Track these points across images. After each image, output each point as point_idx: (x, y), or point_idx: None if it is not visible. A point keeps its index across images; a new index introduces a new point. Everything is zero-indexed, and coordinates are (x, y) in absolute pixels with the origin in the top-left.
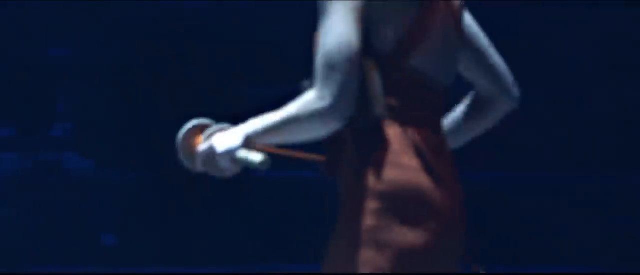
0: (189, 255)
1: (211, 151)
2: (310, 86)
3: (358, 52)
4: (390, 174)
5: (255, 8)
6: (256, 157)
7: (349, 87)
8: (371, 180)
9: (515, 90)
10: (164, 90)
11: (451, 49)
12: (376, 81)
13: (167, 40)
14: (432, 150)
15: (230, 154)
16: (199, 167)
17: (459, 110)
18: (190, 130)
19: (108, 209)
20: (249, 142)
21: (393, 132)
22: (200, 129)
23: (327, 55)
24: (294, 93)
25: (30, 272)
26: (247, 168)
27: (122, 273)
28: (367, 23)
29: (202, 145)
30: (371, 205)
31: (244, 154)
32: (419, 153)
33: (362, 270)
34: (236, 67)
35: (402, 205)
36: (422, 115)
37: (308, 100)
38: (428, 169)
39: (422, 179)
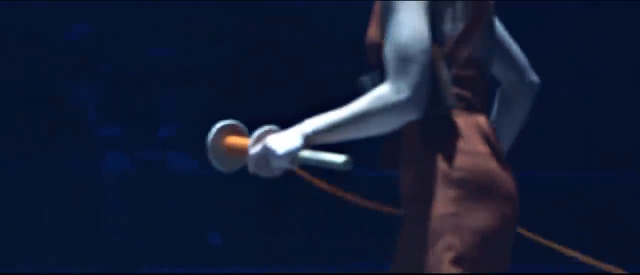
0: (292, 254)
1: (266, 153)
2: (371, 82)
3: (430, 44)
4: (465, 161)
5: (358, 8)
6: (336, 157)
7: (424, 79)
8: (447, 168)
9: (535, 76)
10: (266, 90)
11: (493, 39)
12: (444, 71)
13: (269, 40)
14: (493, 136)
15: (291, 155)
16: (251, 168)
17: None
18: (219, 130)
19: (213, 208)
20: (308, 142)
21: (462, 120)
22: (229, 130)
23: (401, 48)
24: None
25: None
26: (309, 166)
27: (228, 272)
28: (431, 16)
29: (254, 148)
30: (450, 192)
31: (309, 154)
32: (487, 139)
33: (446, 256)
34: (338, 66)
35: (478, 191)
36: (481, 103)
37: (382, 94)
38: (496, 154)
39: (492, 165)
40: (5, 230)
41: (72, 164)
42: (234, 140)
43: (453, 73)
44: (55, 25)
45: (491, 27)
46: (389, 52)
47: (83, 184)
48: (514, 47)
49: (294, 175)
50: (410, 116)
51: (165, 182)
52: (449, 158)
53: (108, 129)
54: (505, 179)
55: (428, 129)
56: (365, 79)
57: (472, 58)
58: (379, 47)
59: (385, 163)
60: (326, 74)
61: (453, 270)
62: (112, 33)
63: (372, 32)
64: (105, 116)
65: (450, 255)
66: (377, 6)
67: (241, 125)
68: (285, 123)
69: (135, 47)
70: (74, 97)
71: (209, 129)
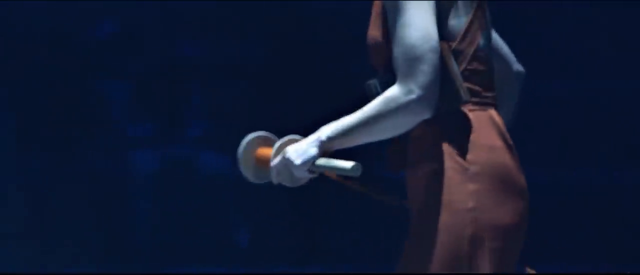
0: (320, 255)
1: (286, 163)
2: (379, 85)
3: (438, 42)
4: (482, 155)
5: None
6: (345, 163)
7: (434, 78)
8: (464, 163)
9: (520, 66)
10: (298, 88)
11: (491, 30)
12: (455, 66)
13: (301, 39)
14: (505, 129)
15: (307, 164)
16: (274, 179)
17: None
18: (249, 142)
19: (241, 208)
20: (325, 149)
21: (475, 114)
22: (260, 141)
23: (410, 49)
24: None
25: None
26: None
27: (255, 273)
28: (437, 12)
29: (275, 159)
30: (469, 187)
31: (323, 162)
32: (500, 132)
33: (467, 251)
34: (369, 67)
35: (495, 185)
36: (491, 96)
37: (393, 95)
38: (510, 147)
39: (507, 158)
40: (34, 228)
41: (101, 162)
42: (263, 151)
43: (462, 68)
44: (84, 23)
45: (488, 18)
46: (397, 53)
47: (112, 182)
48: (499, 38)
49: (322, 177)
50: (423, 116)
51: (194, 181)
52: (466, 153)
53: (137, 128)
54: (518, 173)
55: (443, 125)
56: (373, 82)
57: (478, 51)
58: (381, 47)
59: (392, 165)
60: (357, 74)
61: (474, 263)
62: (142, 31)
63: (373, 32)
64: (134, 115)
65: (471, 250)
66: (376, 6)
67: (271, 135)
68: (316, 122)
69: (165, 45)
70: (103, 95)
71: (238, 127)
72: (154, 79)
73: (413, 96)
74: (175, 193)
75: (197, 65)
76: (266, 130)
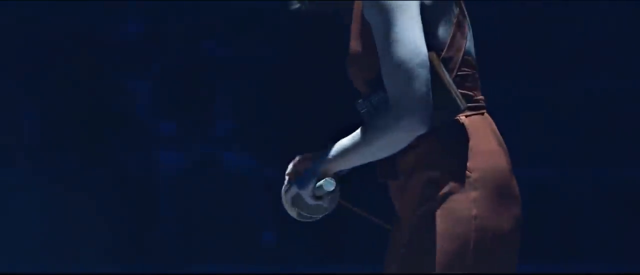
0: (346, 254)
1: (293, 195)
2: (366, 107)
3: (427, 55)
4: (482, 161)
5: None
6: (328, 185)
7: (426, 93)
8: (465, 169)
9: None
10: (323, 89)
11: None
12: (447, 76)
13: (326, 38)
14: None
15: (307, 192)
16: (294, 215)
17: None
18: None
19: (267, 207)
20: (324, 174)
21: (470, 120)
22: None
23: (400, 66)
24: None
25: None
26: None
27: (282, 272)
28: (424, 23)
29: (286, 194)
30: (471, 194)
31: (318, 184)
32: (495, 135)
33: (474, 258)
34: None
35: (495, 191)
36: (482, 98)
37: (388, 116)
38: (504, 150)
39: (504, 162)
40: (60, 227)
41: (127, 161)
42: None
43: (453, 75)
44: (110, 23)
45: (468, 18)
46: (387, 70)
47: (137, 181)
48: None
49: (350, 173)
50: (419, 132)
51: (219, 180)
52: (466, 160)
53: (163, 127)
54: (513, 176)
55: (440, 133)
56: (365, 101)
57: (465, 55)
58: (362, 60)
59: (381, 174)
60: None
61: (477, 270)
62: (167, 30)
63: (353, 44)
64: (160, 114)
65: (475, 257)
66: (356, 9)
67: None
68: (341, 122)
69: (191, 44)
70: (129, 94)
71: (263, 127)
72: (180, 79)
73: (407, 115)
74: (201, 192)
75: (222, 65)
76: (291, 131)
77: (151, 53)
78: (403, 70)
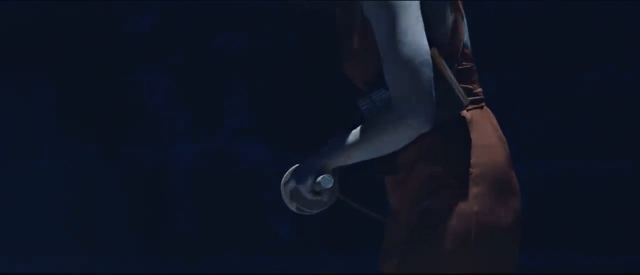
0: (360, 244)
1: (292, 189)
2: (367, 105)
3: (429, 53)
4: (483, 156)
5: None
6: (327, 182)
7: (429, 91)
8: (467, 165)
9: None
10: (339, 80)
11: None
12: (449, 72)
13: None
14: (496, 122)
15: (307, 187)
16: (293, 209)
17: None
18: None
19: (282, 198)
20: (324, 170)
21: (471, 114)
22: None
23: (405, 65)
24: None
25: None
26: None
27: (295, 261)
28: (425, 19)
29: (284, 188)
30: (473, 190)
31: (317, 180)
32: (495, 128)
33: (476, 253)
34: None
35: (495, 185)
36: (481, 91)
37: (392, 114)
38: (503, 142)
39: (503, 155)
40: (76, 218)
41: (143, 153)
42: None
43: (454, 70)
44: (125, 16)
45: (463, 10)
46: (389, 69)
47: (153, 172)
48: None
49: (366, 164)
50: (423, 130)
51: (234, 171)
52: (468, 155)
53: (178, 119)
54: (512, 169)
55: (441, 128)
56: (367, 100)
57: (464, 48)
58: (360, 56)
59: (379, 169)
60: None
61: (479, 266)
62: (182, 23)
63: (353, 42)
64: (175, 106)
65: (476, 252)
66: (354, 13)
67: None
68: (356, 112)
69: (206, 37)
70: (144, 87)
71: (278, 118)
72: (195, 71)
73: (411, 113)
74: (216, 183)
75: (237, 58)
76: (306, 120)
77: (167, 46)
78: (406, 68)
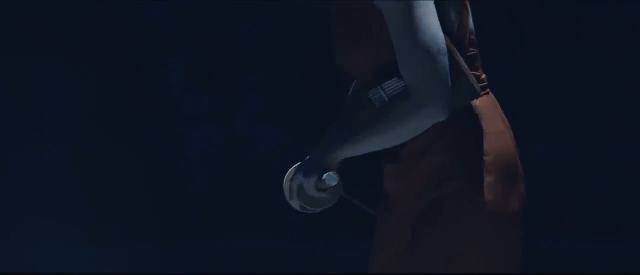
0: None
1: (299, 184)
2: (378, 95)
3: (445, 43)
4: (493, 144)
5: None
6: (331, 180)
7: (446, 81)
8: (479, 153)
9: None
10: None
11: None
12: (462, 61)
13: None
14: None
15: (312, 184)
16: (297, 207)
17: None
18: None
19: None
20: (331, 164)
21: (480, 101)
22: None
23: (422, 55)
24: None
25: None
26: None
27: (311, 246)
28: (438, 10)
29: (289, 184)
30: (487, 179)
31: (323, 178)
32: (501, 115)
33: (490, 240)
34: None
35: (505, 173)
36: (486, 77)
37: (409, 105)
38: (509, 129)
39: (510, 142)
40: (92, 205)
41: (159, 139)
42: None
43: (464, 57)
44: (141, 2)
45: None
46: (406, 59)
47: (170, 158)
48: None
49: (372, 157)
50: (441, 119)
51: (250, 156)
52: (480, 144)
53: (194, 105)
54: (517, 155)
55: (453, 116)
56: (372, 92)
57: (471, 35)
58: (369, 47)
59: (387, 158)
60: None
61: (493, 252)
62: (198, 9)
63: (362, 33)
64: (191, 92)
65: (491, 239)
66: (363, 4)
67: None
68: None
69: (222, 23)
70: (160, 73)
71: (295, 104)
72: (211, 57)
73: (430, 102)
74: (232, 168)
75: (253, 43)
76: (321, 106)
77: (182, 32)
78: (424, 58)
